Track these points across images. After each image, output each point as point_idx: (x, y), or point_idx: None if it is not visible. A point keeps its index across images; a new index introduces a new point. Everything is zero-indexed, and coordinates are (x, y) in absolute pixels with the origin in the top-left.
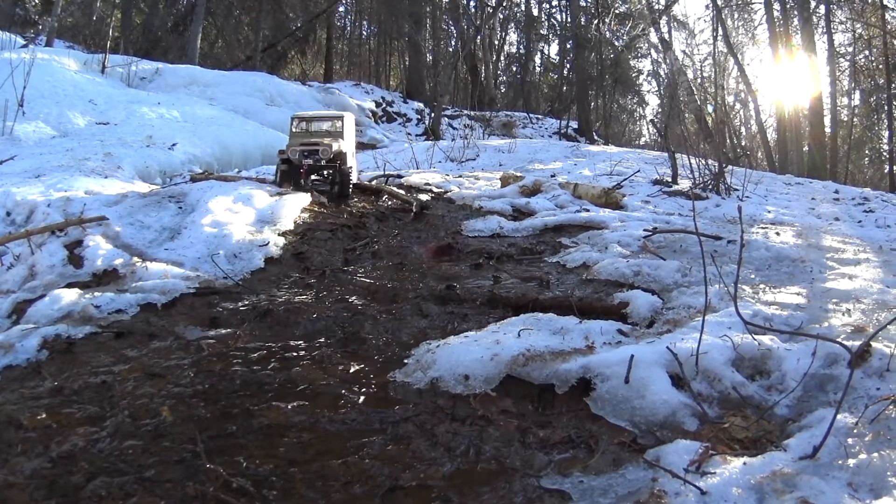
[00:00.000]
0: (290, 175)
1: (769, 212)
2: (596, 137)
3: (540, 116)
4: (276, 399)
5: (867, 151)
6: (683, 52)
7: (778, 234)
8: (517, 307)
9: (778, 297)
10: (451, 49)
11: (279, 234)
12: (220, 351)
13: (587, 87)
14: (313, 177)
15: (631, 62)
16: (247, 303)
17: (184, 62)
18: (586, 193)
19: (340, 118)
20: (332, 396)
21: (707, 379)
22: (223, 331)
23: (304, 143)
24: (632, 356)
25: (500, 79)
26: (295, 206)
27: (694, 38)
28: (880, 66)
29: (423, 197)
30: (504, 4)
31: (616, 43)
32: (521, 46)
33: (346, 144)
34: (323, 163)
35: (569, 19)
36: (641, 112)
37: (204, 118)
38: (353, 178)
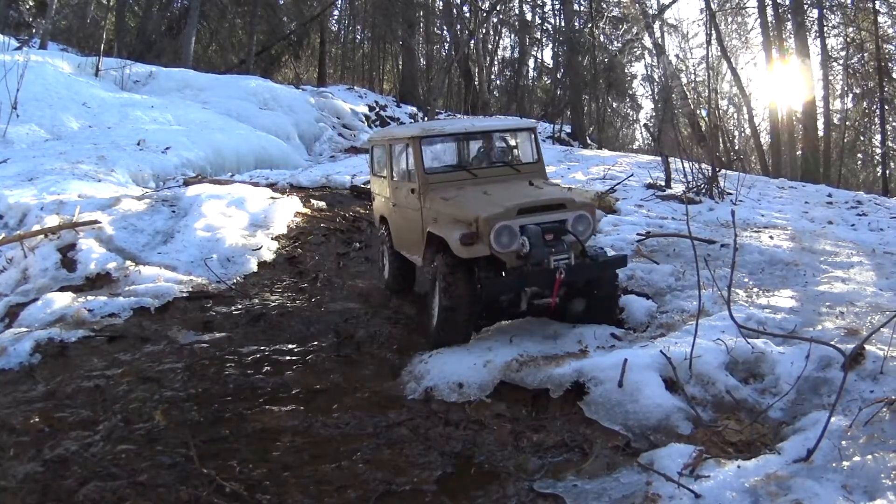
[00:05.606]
0: (495, 298)
1: (762, 215)
2: (589, 141)
3: (533, 120)
4: (269, 403)
5: (860, 155)
6: (677, 56)
7: (771, 237)
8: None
9: (771, 300)
10: (444, 53)
11: (272, 238)
12: (214, 355)
13: (581, 92)
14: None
15: (625, 66)
16: (240, 307)
17: (178, 65)
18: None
19: (532, 129)
20: (325, 401)
21: (701, 382)
22: (216, 335)
23: (525, 209)
24: (625, 360)
25: (494, 83)
26: (288, 211)
27: (688, 42)
28: (872, 70)
29: None
30: (498, 8)
31: (610, 47)
32: (515, 50)
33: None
34: (578, 258)
35: (562, 23)
36: (635, 116)
37: (197, 122)
38: None
